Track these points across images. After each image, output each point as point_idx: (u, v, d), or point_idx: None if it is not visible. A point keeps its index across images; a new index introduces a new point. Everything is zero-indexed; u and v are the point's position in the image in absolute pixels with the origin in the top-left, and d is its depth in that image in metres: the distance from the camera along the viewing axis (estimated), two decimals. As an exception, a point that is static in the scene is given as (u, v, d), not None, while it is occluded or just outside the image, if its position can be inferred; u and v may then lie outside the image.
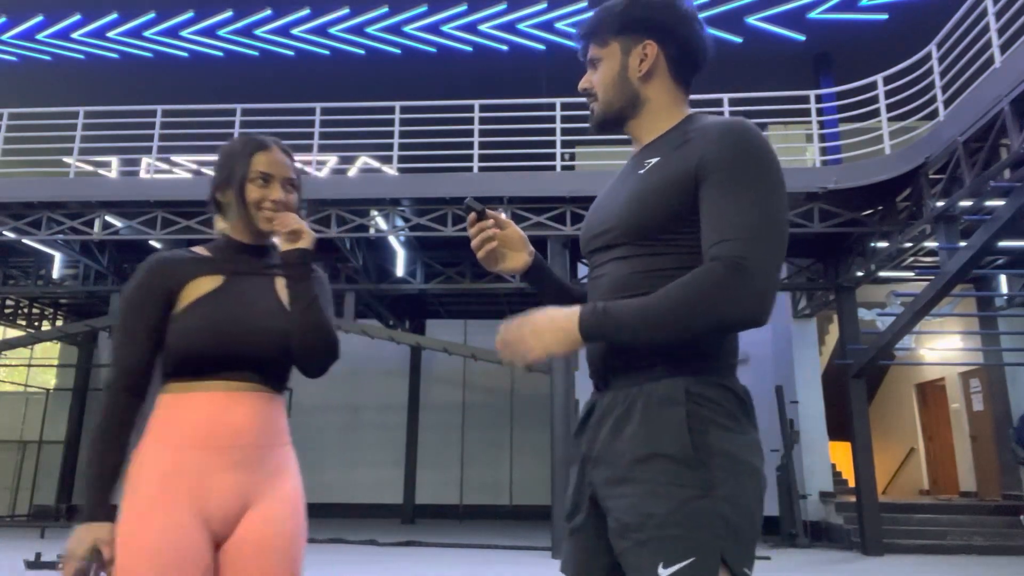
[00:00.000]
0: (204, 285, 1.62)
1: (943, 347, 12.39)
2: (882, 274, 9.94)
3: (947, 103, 8.03)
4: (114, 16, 12.19)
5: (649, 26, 1.42)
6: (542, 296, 1.58)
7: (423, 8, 11.88)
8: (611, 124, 1.49)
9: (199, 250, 1.71)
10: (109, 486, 1.51)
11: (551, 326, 1.28)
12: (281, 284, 1.70)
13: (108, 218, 9.75)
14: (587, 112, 1.55)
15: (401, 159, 10.08)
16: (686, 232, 1.30)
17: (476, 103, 9.75)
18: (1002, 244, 8.03)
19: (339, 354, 1.67)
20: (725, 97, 9.42)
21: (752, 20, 11.62)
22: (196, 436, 1.52)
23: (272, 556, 1.53)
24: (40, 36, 12.52)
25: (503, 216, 1.53)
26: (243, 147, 1.72)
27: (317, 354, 1.63)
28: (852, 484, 10.01)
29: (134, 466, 1.53)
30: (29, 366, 16.20)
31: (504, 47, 12.39)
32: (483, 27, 12.08)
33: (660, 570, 1.18)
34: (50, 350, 16.08)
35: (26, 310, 14.13)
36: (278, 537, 1.54)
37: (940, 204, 7.71)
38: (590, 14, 1.50)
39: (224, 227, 1.75)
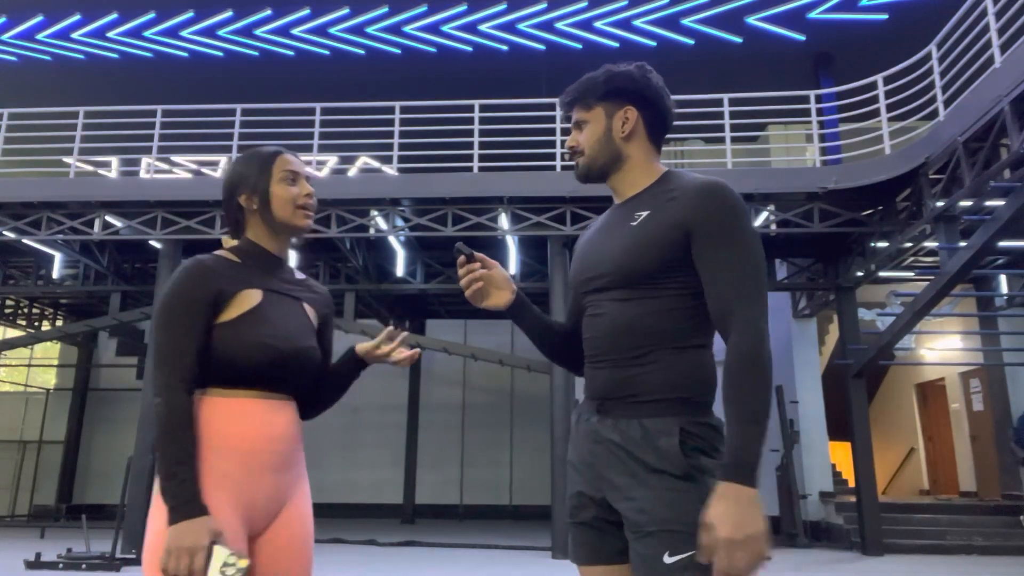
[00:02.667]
0: (250, 297, 1.68)
1: (943, 347, 12.39)
2: (882, 274, 9.94)
3: (947, 103, 8.02)
4: (114, 16, 12.19)
5: (629, 94, 1.66)
6: (524, 329, 1.77)
7: (423, 8, 11.88)
8: (595, 178, 1.71)
9: (227, 255, 1.75)
10: (198, 482, 1.53)
11: (745, 522, 1.34)
12: (307, 305, 1.82)
13: (108, 218, 9.75)
14: None
15: (401, 159, 10.08)
16: (675, 277, 1.53)
17: (476, 103, 9.75)
18: (1002, 244, 8.04)
19: None
20: (725, 97, 9.42)
21: (752, 20, 11.62)
22: (244, 441, 1.62)
23: (299, 547, 1.69)
24: (40, 36, 12.52)
25: (488, 259, 1.72)
26: (259, 153, 1.79)
27: (330, 404, 1.90)
28: (852, 484, 10.01)
29: None
30: (29, 366, 16.20)
31: (504, 47, 12.39)
32: (483, 27, 12.08)
33: (666, 558, 1.42)
34: (50, 350, 16.08)
35: (26, 310, 14.13)
36: (304, 531, 1.71)
37: (940, 204, 7.71)
38: (573, 84, 1.72)
39: (231, 240, 1.81)
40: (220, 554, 1.46)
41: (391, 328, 1.88)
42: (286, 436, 1.68)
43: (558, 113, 9.53)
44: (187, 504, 1.49)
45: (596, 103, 1.67)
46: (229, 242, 1.82)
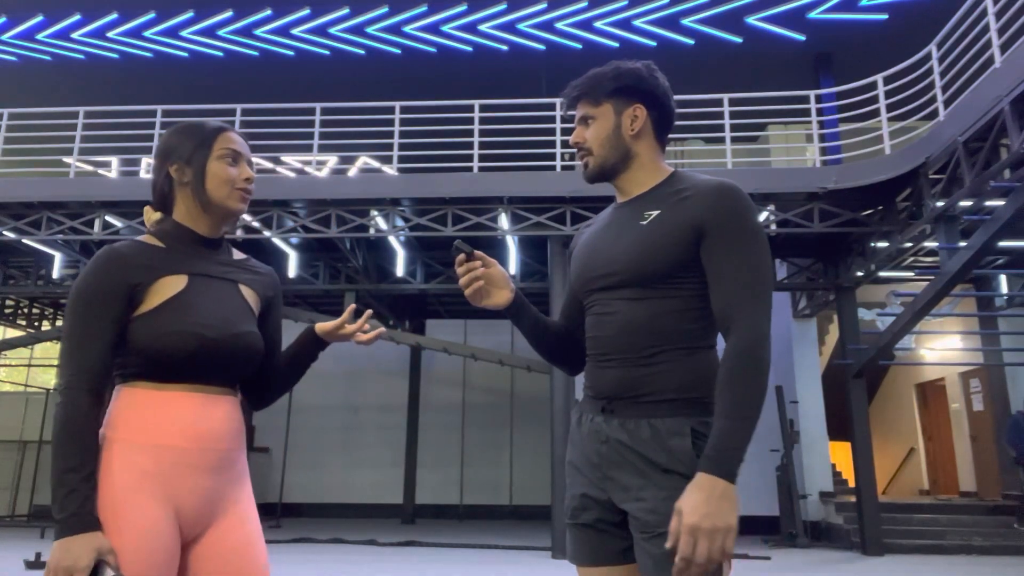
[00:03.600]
0: (172, 284, 1.55)
1: (943, 347, 12.39)
2: (882, 274, 9.94)
3: (947, 103, 8.03)
4: (114, 16, 12.18)
5: (638, 92, 1.65)
6: (521, 328, 1.75)
7: (423, 8, 11.87)
8: (605, 177, 1.69)
9: (150, 240, 1.61)
10: (93, 493, 1.40)
11: (714, 514, 1.35)
12: (245, 287, 1.68)
13: (108, 218, 9.75)
14: None
15: (401, 159, 10.08)
16: (687, 277, 1.53)
17: (476, 103, 9.74)
18: (1002, 244, 8.04)
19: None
20: (725, 97, 9.42)
21: (752, 20, 11.62)
22: (175, 437, 1.49)
23: (252, 553, 1.57)
24: (40, 36, 12.51)
25: (488, 257, 1.69)
26: (201, 126, 1.68)
27: (282, 392, 1.74)
28: (852, 484, 10.01)
29: (103, 464, 1.46)
30: (29, 366, 16.20)
31: (504, 47, 12.39)
32: (483, 27, 12.08)
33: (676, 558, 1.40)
34: (50, 350, 16.08)
35: (26, 310, 14.13)
36: (254, 536, 1.59)
37: (940, 204, 7.71)
38: (579, 78, 1.70)
39: (154, 217, 1.69)
40: (102, 572, 1.35)
41: (354, 306, 1.80)
42: (222, 433, 1.54)
43: (558, 113, 9.53)
44: (73, 517, 1.36)
45: (605, 99, 1.65)
46: (151, 216, 1.69)
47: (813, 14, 11.45)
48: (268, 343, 1.73)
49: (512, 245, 10.00)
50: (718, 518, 1.34)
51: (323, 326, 1.77)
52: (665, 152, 1.71)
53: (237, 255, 1.74)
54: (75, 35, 12.48)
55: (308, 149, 10.00)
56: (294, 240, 10.29)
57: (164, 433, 1.48)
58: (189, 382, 1.53)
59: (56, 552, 1.34)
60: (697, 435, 1.48)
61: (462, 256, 1.64)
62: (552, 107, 9.73)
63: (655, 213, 1.57)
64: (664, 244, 1.52)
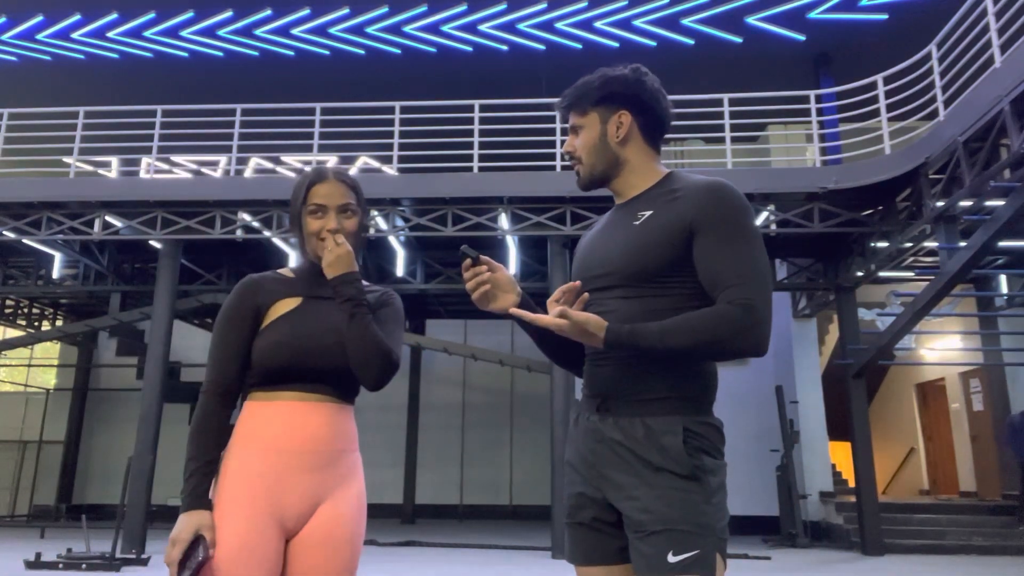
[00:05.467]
0: (286, 305, 1.80)
1: (943, 347, 12.39)
2: (882, 274, 9.94)
3: (947, 103, 8.02)
4: (114, 16, 12.18)
5: (623, 99, 1.67)
6: (528, 331, 1.73)
7: (423, 8, 11.87)
8: (596, 184, 1.72)
9: (285, 272, 1.89)
10: (207, 480, 1.67)
11: (590, 321, 1.47)
12: None
13: (108, 218, 9.75)
14: None
15: (401, 159, 10.08)
16: (680, 276, 1.54)
17: (476, 103, 9.75)
18: (1002, 244, 8.04)
19: (395, 368, 1.77)
20: (725, 97, 9.42)
21: (752, 20, 11.62)
22: (276, 441, 1.69)
23: (335, 548, 1.71)
24: (40, 36, 12.51)
25: (494, 262, 1.71)
26: (303, 180, 1.87)
27: (369, 368, 1.73)
28: (852, 484, 10.01)
29: (222, 467, 1.70)
30: (29, 366, 16.20)
31: (504, 47, 12.39)
32: (483, 27, 12.08)
33: (670, 557, 1.43)
34: (50, 350, 16.08)
35: (26, 310, 14.13)
36: (343, 533, 1.72)
37: (940, 204, 7.71)
38: (569, 88, 1.73)
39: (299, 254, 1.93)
40: (198, 547, 1.60)
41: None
42: (320, 436, 1.72)
43: (558, 113, 9.51)
44: (188, 497, 1.65)
45: (591, 108, 1.69)
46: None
47: (813, 14, 11.45)
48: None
49: (512, 245, 10.00)
50: (591, 324, 1.47)
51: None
52: (660, 153, 1.72)
53: (368, 286, 1.90)
54: (75, 35, 12.48)
55: (308, 149, 10.00)
56: (294, 240, 10.28)
57: (265, 439, 1.70)
58: (293, 390, 1.73)
59: (176, 526, 1.62)
60: (689, 433, 1.49)
61: (468, 261, 1.66)
62: (552, 107, 9.71)
63: (648, 213, 1.59)
64: (656, 243, 1.54)
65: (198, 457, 1.67)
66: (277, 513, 1.67)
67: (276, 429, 1.70)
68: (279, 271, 1.89)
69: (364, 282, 1.88)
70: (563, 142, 9.62)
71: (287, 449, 1.69)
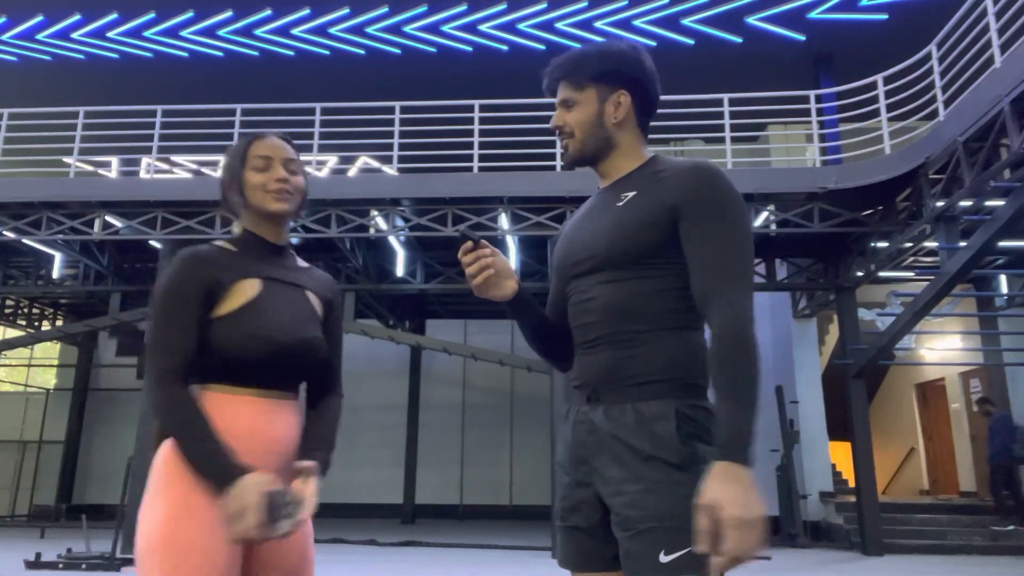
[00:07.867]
0: (248, 288, 1.65)
1: (943, 347, 12.39)
2: (882, 274, 9.94)
3: (947, 103, 8.03)
4: (114, 16, 12.18)
5: (623, 78, 1.59)
6: (523, 322, 1.67)
7: (423, 8, 11.87)
8: (584, 163, 1.64)
9: (226, 245, 1.72)
10: (232, 453, 1.51)
11: (752, 503, 1.26)
12: (310, 292, 1.77)
13: (108, 218, 9.75)
14: None
15: (401, 159, 10.08)
16: (664, 259, 1.48)
17: (476, 103, 9.75)
18: (1002, 244, 8.03)
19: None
20: (725, 97, 9.41)
21: (752, 20, 11.62)
22: (241, 441, 1.57)
23: (299, 549, 1.66)
24: (40, 36, 12.51)
25: (493, 247, 1.62)
26: (241, 142, 1.77)
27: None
28: (852, 484, 10.01)
29: (172, 462, 1.55)
30: (29, 366, 16.20)
31: (504, 47, 12.39)
32: (483, 27, 12.08)
33: (661, 557, 1.33)
34: (50, 350, 16.08)
35: (26, 310, 14.13)
36: (304, 535, 1.67)
37: (940, 204, 7.71)
38: (561, 57, 1.66)
39: (237, 228, 1.79)
40: (278, 499, 1.49)
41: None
42: (283, 437, 1.63)
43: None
44: (224, 470, 1.49)
45: (588, 83, 1.60)
46: (236, 228, 1.79)
47: (813, 14, 11.45)
48: (330, 345, 1.80)
49: (512, 245, 10.00)
50: (756, 508, 1.25)
51: None
52: (647, 136, 1.65)
53: (300, 262, 1.82)
54: (75, 35, 12.48)
55: (308, 149, 9.99)
56: (294, 240, 10.29)
57: (235, 436, 1.56)
58: (259, 386, 1.62)
59: (228, 504, 1.46)
60: (682, 418, 1.41)
61: (468, 244, 1.56)
62: (552, 107, 9.72)
63: (631, 194, 1.53)
64: (639, 224, 1.48)
65: (206, 435, 1.51)
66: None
67: (241, 428, 1.57)
68: (218, 243, 1.72)
69: (301, 261, 1.82)
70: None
71: (251, 450, 1.56)
